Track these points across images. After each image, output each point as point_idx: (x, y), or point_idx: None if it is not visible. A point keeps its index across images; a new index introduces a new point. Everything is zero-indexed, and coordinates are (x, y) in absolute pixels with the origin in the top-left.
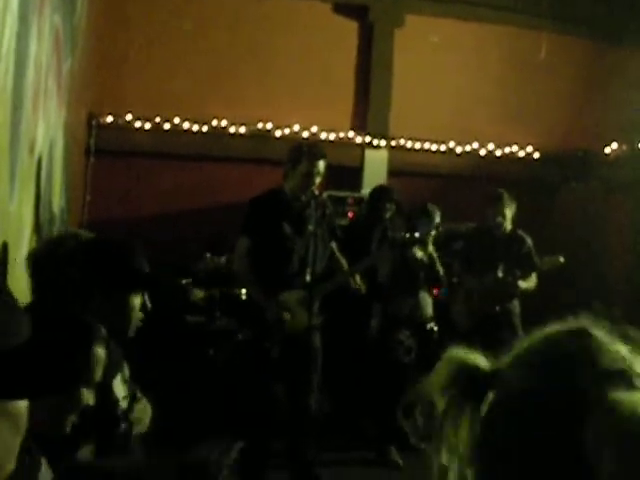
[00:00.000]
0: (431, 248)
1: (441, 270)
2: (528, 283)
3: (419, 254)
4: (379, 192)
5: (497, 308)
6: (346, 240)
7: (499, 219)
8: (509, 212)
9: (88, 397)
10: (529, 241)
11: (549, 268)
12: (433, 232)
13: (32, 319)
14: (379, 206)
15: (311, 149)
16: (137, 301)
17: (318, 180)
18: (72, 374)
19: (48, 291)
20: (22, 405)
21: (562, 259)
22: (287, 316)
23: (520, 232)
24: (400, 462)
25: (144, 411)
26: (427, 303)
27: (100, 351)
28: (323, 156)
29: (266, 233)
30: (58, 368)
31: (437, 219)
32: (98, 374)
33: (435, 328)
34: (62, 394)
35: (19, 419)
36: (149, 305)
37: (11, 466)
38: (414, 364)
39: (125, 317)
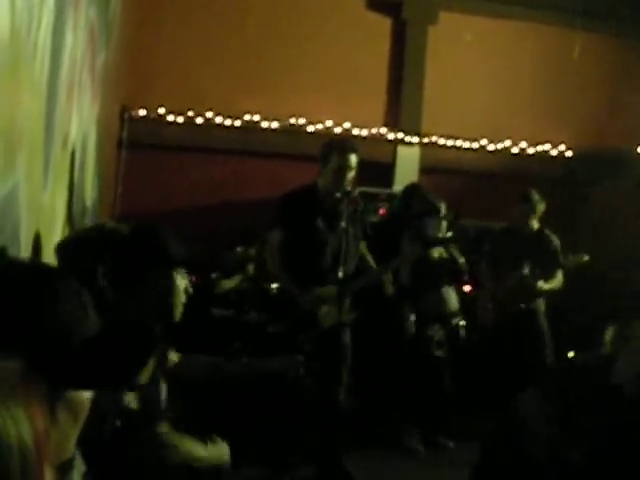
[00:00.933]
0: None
1: (462, 264)
2: (553, 283)
3: (436, 251)
4: (412, 190)
5: (522, 306)
6: (377, 237)
7: (527, 218)
8: (538, 211)
9: (130, 400)
10: (556, 240)
11: (574, 267)
12: (448, 231)
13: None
14: (412, 204)
15: (341, 144)
16: (182, 282)
17: (351, 175)
18: (134, 371)
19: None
20: (84, 398)
21: (587, 257)
22: (324, 309)
23: (547, 231)
24: (421, 450)
25: None
26: (451, 298)
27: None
28: (354, 150)
29: (299, 228)
30: (123, 364)
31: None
32: (145, 377)
33: (461, 323)
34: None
35: (80, 411)
36: (190, 289)
37: (68, 454)
38: (446, 358)
39: (172, 299)
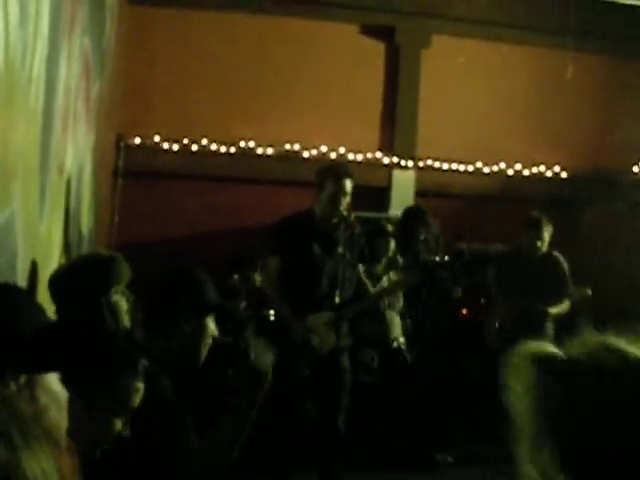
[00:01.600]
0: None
1: (455, 290)
2: (560, 307)
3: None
4: (413, 214)
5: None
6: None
7: (538, 243)
8: (547, 235)
9: (118, 424)
10: (564, 264)
11: (576, 299)
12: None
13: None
14: (413, 227)
15: (336, 169)
16: (212, 328)
17: (345, 200)
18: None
19: (70, 314)
20: (57, 386)
21: (590, 291)
22: (315, 340)
23: (555, 254)
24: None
25: None
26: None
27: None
28: (349, 175)
29: (295, 254)
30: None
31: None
32: (135, 402)
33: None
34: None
35: (62, 401)
36: (217, 334)
37: (64, 442)
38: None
39: (200, 344)
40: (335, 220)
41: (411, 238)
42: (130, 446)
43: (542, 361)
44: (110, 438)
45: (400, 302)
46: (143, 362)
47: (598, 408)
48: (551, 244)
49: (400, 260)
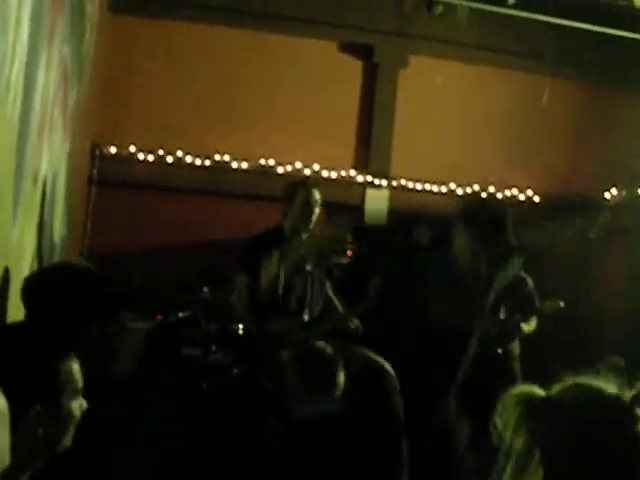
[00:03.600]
0: None
1: None
2: (529, 326)
3: None
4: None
5: (499, 350)
6: (344, 279)
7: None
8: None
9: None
10: (530, 283)
11: (550, 312)
12: None
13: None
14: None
15: (304, 181)
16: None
17: (317, 210)
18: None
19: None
20: (2, 403)
21: (562, 304)
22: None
23: (522, 274)
24: None
25: None
26: None
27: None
28: (316, 186)
29: (264, 271)
30: None
31: None
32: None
33: None
34: None
35: (5, 416)
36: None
37: (8, 461)
38: None
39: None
40: (305, 235)
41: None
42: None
43: (527, 402)
44: (53, 452)
45: None
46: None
47: (579, 436)
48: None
49: None
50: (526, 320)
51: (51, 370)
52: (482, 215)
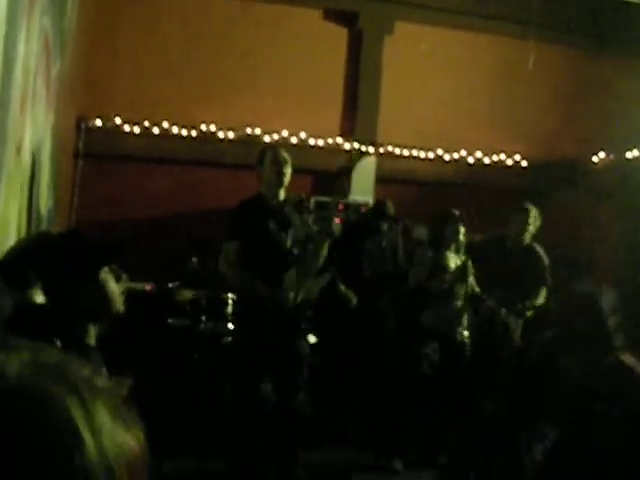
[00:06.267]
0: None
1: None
2: (539, 300)
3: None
4: (376, 210)
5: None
6: (339, 246)
7: (523, 230)
8: (533, 227)
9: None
10: (545, 257)
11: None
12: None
13: None
14: (376, 222)
15: (271, 147)
16: (110, 279)
17: (287, 169)
18: None
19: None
20: None
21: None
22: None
23: (537, 247)
24: (400, 469)
25: None
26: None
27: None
28: (280, 150)
29: (253, 235)
30: None
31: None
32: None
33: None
34: None
35: None
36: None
37: None
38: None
39: (104, 295)
40: (282, 198)
41: (373, 229)
42: None
43: None
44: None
45: (469, 289)
46: None
47: None
48: (533, 238)
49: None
50: (534, 293)
51: None
52: None
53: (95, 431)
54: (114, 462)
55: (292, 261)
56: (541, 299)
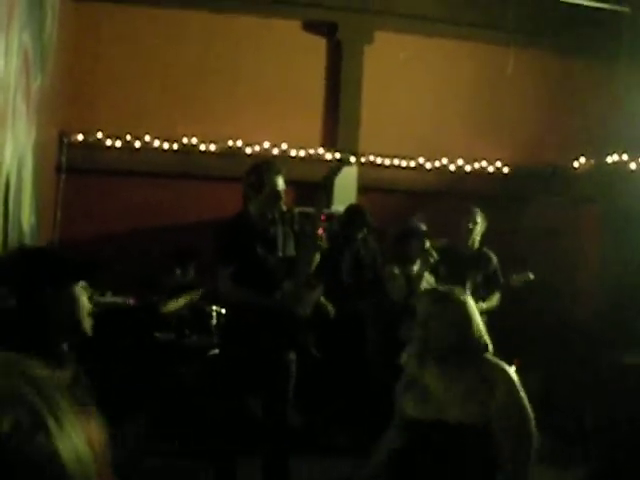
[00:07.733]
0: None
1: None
2: (490, 302)
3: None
4: (352, 214)
5: None
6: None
7: (470, 235)
8: (479, 229)
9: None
10: (495, 260)
11: (519, 285)
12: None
13: None
14: (352, 228)
15: (270, 167)
16: (81, 294)
17: (283, 195)
18: None
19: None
20: None
21: (532, 275)
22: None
23: (487, 250)
24: None
25: None
26: None
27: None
28: (281, 171)
29: (243, 259)
30: None
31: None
32: None
33: None
34: None
35: None
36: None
37: None
38: None
39: (75, 310)
40: (270, 216)
41: (350, 237)
42: None
43: None
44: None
45: None
46: None
47: None
48: (483, 240)
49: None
50: (488, 296)
51: None
52: None
53: (57, 417)
54: (80, 446)
55: (287, 273)
56: (494, 301)
